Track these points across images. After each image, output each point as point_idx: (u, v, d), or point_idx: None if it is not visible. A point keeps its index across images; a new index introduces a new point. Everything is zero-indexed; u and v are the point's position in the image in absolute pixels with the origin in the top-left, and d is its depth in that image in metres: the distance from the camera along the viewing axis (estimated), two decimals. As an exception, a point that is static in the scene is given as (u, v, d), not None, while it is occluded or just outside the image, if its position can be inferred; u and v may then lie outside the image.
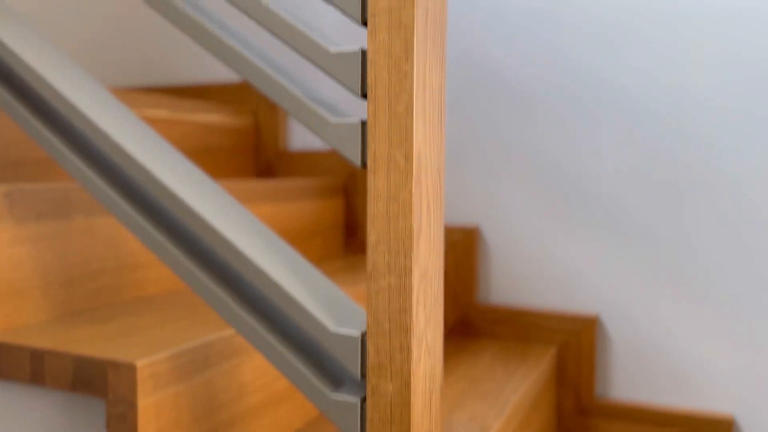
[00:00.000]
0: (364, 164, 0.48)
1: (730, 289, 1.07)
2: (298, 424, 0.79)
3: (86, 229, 0.77)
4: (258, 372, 0.71)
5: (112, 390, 0.56)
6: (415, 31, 0.45)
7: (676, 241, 1.10)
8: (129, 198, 0.59)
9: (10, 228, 0.68)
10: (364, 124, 0.48)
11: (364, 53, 0.47)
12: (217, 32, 0.54)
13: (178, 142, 1.21)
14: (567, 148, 1.16)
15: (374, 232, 0.47)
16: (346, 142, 0.48)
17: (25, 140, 0.93)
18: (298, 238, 1.17)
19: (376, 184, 0.46)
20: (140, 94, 1.13)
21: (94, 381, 0.57)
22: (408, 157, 0.45)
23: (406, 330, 0.46)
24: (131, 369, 0.55)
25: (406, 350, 0.46)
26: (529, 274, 1.19)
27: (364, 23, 0.47)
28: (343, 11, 0.47)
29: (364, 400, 0.48)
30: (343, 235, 1.31)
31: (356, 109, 1.31)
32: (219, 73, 1.45)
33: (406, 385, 0.46)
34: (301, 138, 1.37)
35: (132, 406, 0.55)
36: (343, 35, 1.32)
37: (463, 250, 1.21)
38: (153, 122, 1.16)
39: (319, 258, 1.22)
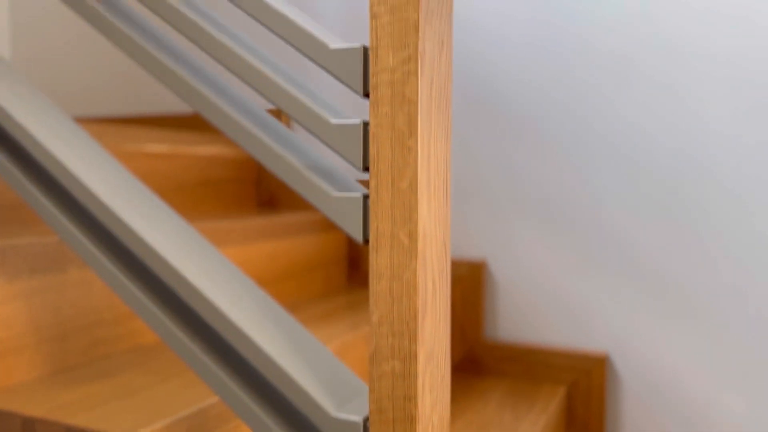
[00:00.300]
0: (366, 240, 0.46)
1: (743, 330, 1.04)
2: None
3: (81, 280, 0.75)
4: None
5: (105, 465, 0.54)
6: (419, 105, 0.42)
7: (686, 277, 1.07)
8: (109, 252, 0.57)
9: (2, 286, 0.66)
10: (366, 197, 0.46)
11: (365, 125, 0.45)
12: (225, 108, 0.52)
13: (179, 175, 1.19)
14: (575, 182, 1.13)
15: (377, 311, 0.44)
16: (347, 217, 0.46)
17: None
18: (300, 273, 1.15)
19: (379, 262, 0.44)
20: (139, 128, 1.12)
21: (85, 455, 0.55)
22: (412, 236, 0.43)
23: (411, 419, 0.43)
24: (124, 445, 0.53)
25: (410, 439, 0.43)
26: (537, 309, 1.16)
27: (366, 95, 0.45)
28: (344, 82, 0.45)
29: (366, 488, 0.46)
30: (346, 268, 1.29)
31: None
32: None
33: (411, 477, 0.43)
34: (303, 168, 1.35)
35: (125, 483, 0.53)
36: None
37: (470, 284, 1.18)
38: (153, 157, 1.14)
39: (322, 293, 1.20)
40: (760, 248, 1.03)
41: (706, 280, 1.06)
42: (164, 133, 1.16)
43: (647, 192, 1.09)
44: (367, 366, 0.90)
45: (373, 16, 0.43)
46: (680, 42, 1.06)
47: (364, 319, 0.96)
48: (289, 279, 1.13)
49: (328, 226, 1.23)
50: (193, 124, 1.43)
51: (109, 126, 1.13)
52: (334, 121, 0.46)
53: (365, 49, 0.44)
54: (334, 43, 0.45)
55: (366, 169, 0.45)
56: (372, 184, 0.44)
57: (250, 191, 1.36)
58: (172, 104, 1.48)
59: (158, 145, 1.15)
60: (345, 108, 1.30)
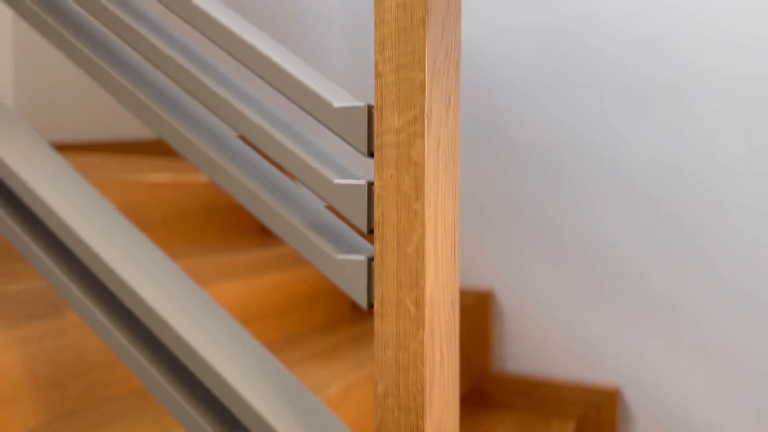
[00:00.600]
0: (370, 305, 0.44)
1: (756, 363, 1.01)
2: None
3: (79, 324, 0.73)
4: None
5: None
6: (426, 168, 0.41)
7: (698, 309, 1.04)
8: (95, 296, 0.55)
9: (-2, 334, 0.65)
10: (370, 260, 0.44)
11: (370, 186, 0.43)
12: (219, 160, 0.50)
13: (183, 203, 1.18)
14: (584, 213, 1.11)
15: (382, 382, 0.42)
16: (350, 281, 0.44)
17: None
18: (304, 304, 1.13)
19: (384, 330, 0.42)
20: (141, 158, 1.10)
21: None
22: (419, 304, 0.41)
23: (418, 497, 0.41)
24: None
25: None
26: (546, 340, 1.14)
27: (371, 155, 0.43)
28: (348, 142, 0.43)
29: None
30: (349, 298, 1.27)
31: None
32: (224, 126, 1.42)
33: None
34: (307, 194, 1.33)
35: None
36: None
37: (477, 314, 1.16)
38: (156, 186, 1.12)
39: (325, 324, 1.18)
40: (774, 281, 1.00)
41: (719, 311, 1.03)
42: (166, 162, 1.15)
43: (657, 222, 1.07)
44: (372, 406, 0.88)
45: (378, 75, 0.41)
46: (692, 68, 1.05)
47: (369, 356, 0.94)
48: (293, 310, 1.11)
49: (332, 254, 1.21)
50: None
51: (111, 156, 1.12)
52: (337, 181, 0.44)
53: (370, 108, 0.43)
54: (338, 101, 0.44)
55: (371, 231, 0.44)
56: (377, 247, 0.42)
57: (253, 218, 1.35)
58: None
59: (161, 174, 1.14)
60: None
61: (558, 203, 1.13)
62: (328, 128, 0.44)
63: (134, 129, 1.52)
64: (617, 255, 1.09)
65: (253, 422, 0.46)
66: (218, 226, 1.26)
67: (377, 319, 0.43)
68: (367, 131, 0.43)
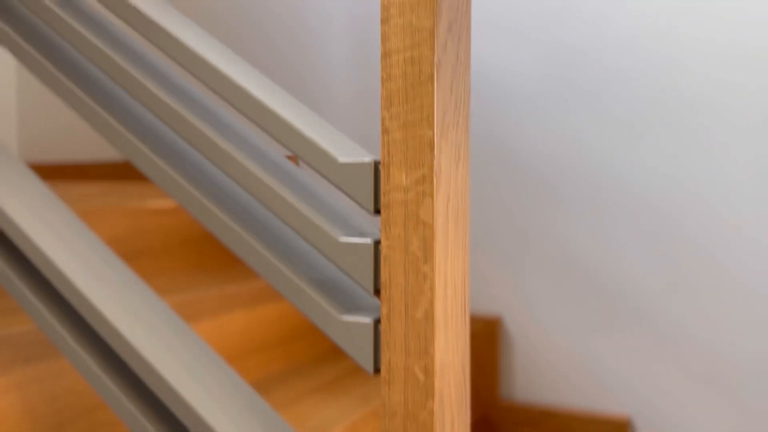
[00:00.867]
0: (377, 370, 0.42)
1: (775, 394, 0.99)
2: None
3: (79, 364, 0.71)
4: None
5: None
6: (435, 228, 0.39)
7: (711, 339, 1.02)
8: (81, 337, 0.53)
9: (-6, 380, 0.63)
10: (377, 323, 0.42)
11: (377, 245, 0.41)
12: (219, 213, 0.48)
13: (184, 230, 1.16)
14: (592, 239, 1.09)
15: (390, 451, 0.40)
16: (355, 344, 0.42)
17: None
18: (308, 333, 1.11)
19: (391, 398, 0.40)
20: (143, 185, 1.09)
21: None
22: (428, 372, 0.39)
23: None
24: None
25: None
26: (555, 368, 1.11)
27: (377, 212, 0.41)
28: (354, 199, 0.41)
29: None
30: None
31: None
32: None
33: None
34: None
35: None
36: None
37: (485, 341, 1.13)
38: (158, 213, 1.11)
39: (330, 353, 1.16)
40: (791, 311, 0.98)
41: (734, 339, 1.01)
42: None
43: (668, 248, 1.05)
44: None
45: (385, 131, 0.39)
46: (699, 93, 1.02)
47: (374, 390, 0.92)
48: (297, 340, 1.09)
49: (337, 280, 1.18)
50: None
51: (113, 186, 1.11)
52: (342, 238, 0.42)
53: (376, 164, 0.41)
54: (344, 155, 0.42)
55: (377, 292, 0.42)
56: (384, 311, 0.40)
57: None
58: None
59: (162, 200, 1.12)
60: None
61: (567, 229, 1.11)
62: (333, 184, 0.42)
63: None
64: (627, 281, 1.07)
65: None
66: (220, 251, 1.24)
67: (384, 387, 0.41)
68: (373, 188, 0.41)
